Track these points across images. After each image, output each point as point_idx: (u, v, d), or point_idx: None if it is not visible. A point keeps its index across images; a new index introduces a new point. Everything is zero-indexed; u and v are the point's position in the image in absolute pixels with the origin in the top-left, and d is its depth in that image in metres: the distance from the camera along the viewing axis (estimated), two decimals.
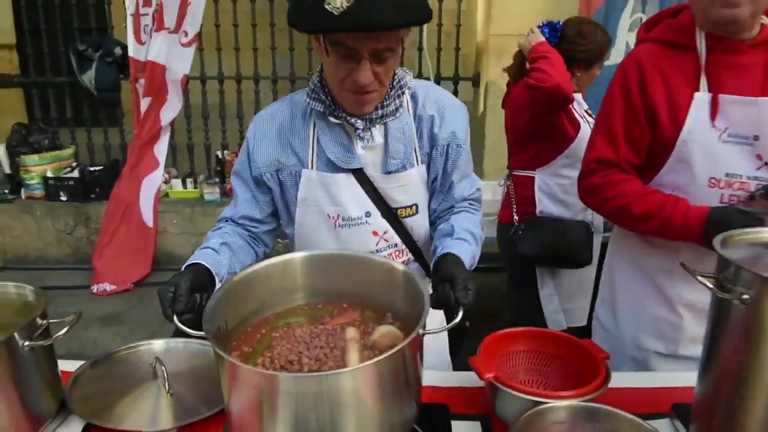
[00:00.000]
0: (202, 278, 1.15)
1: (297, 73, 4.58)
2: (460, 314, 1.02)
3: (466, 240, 1.27)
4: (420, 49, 4.42)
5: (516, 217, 2.28)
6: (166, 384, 1.22)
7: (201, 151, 4.67)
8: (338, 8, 1.04)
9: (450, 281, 1.08)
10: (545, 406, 0.99)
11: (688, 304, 1.46)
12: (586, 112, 2.26)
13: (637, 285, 1.55)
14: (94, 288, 4.12)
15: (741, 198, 1.34)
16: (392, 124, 1.29)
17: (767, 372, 0.90)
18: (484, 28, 4.52)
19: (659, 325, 1.51)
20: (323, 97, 1.27)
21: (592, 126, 2.16)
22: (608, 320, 1.65)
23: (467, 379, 1.28)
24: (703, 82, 1.38)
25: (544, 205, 2.24)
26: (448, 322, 1.53)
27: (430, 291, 1.14)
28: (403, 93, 1.29)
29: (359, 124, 1.26)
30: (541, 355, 1.25)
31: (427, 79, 4.49)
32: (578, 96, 2.23)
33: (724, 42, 1.37)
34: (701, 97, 1.37)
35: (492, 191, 3.07)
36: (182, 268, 1.18)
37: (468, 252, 1.24)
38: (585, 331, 2.19)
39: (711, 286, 0.92)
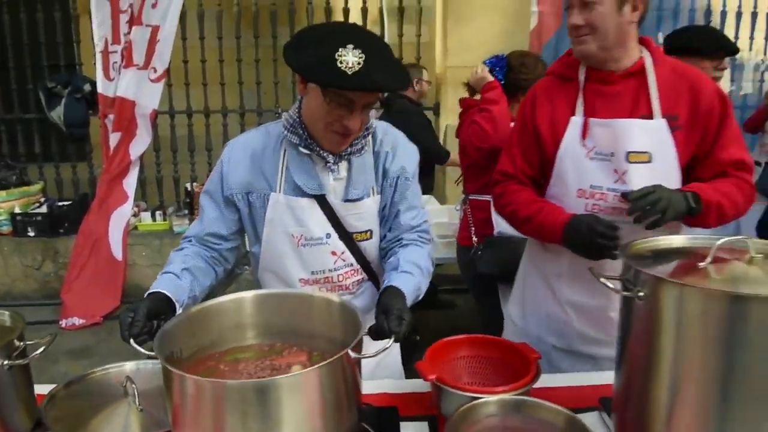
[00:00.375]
0: (161, 305, 1.27)
1: (264, 105, 4.73)
2: (391, 341, 1.14)
3: (410, 272, 1.39)
4: None
5: (475, 239, 2.42)
6: (137, 400, 1.30)
7: (170, 183, 4.75)
8: (351, 68, 1.20)
9: (386, 313, 1.20)
10: (478, 401, 1.11)
11: (572, 304, 1.66)
12: None
13: (538, 286, 1.75)
14: (63, 322, 4.12)
15: (600, 206, 1.56)
16: (356, 160, 1.44)
17: (666, 361, 1.02)
18: (442, 59, 4.76)
19: (554, 322, 1.71)
20: (300, 132, 1.41)
21: None
22: (518, 317, 1.85)
23: (417, 385, 1.40)
24: (579, 108, 1.61)
25: (501, 226, 2.36)
26: (402, 349, 1.67)
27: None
28: (368, 134, 1.45)
29: (331, 158, 1.41)
30: (481, 359, 1.38)
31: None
32: None
33: (597, 73, 1.59)
34: (576, 121, 1.60)
35: (449, 215, 3.22)
36: (145, 295, 1.28)
37: (410, 284, 1.36)
38: None
39: (611, 285, 1.07)
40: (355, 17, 4.68)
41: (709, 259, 1.03)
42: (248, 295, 1.29)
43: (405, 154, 1.50)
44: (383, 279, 1.42)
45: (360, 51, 1.22)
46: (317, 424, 1.01)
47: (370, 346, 1.11)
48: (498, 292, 2.39)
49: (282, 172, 1.43)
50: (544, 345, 1.70)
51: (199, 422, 0.99)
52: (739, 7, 4.86)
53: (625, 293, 1.06)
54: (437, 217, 3.19)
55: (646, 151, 1.53)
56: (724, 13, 4.87)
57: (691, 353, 1.00)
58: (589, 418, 1.27)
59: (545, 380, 1.40)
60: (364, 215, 1.46)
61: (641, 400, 1.08)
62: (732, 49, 2.46)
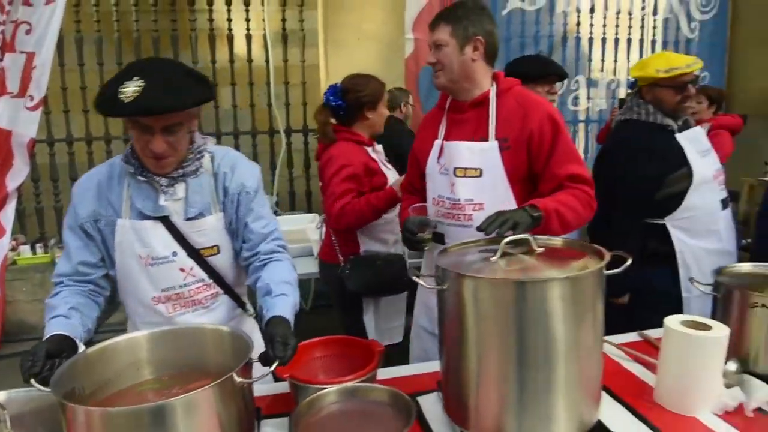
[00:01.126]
0: (60, 345, 1.33)
1: None
2: (274, 366, 1.24)
3: (285, 294, 1.50)
4: (269, 105, 4.74)
5: (341, 258, 2.49)
6: (8, 424, 1.35)
7: (51, 214, 4.59)
8: (129, 97, 1.34)
9: (271, 341, 1.30)
10: (320, 392, 1.26)
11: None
12: (384, 160, 2.58)
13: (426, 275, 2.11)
14: None
15: (441, 212, 1.91)
16: (192, 181, 1.57)
17: (471, 340, 1.23)
18: (326, 83, 4.96)
19: (427, 308, 2.04)
20: (134, 161, 1.53)
21: (392, 171, 2.56)
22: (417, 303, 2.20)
23: (281, 387, 1.54)
24: (441, 132, 1.93)
25: (366, 245, 2.49)
26: None
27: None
28: (202, 156, 1.59)
29: (163, 182, 1.53)
30: (334, 357, 1.55)
31: (278, 132, 4.82)
32: (379, 147, 2.57)
33: (454, 103, 1.92)
34: (437, 143, 1.93)
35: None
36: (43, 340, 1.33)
37: (288, 304, 1.47)
38: (401, 345, 2.54)
39: (422, 282, 1.27)
40: (239, 42, 4.79)
41: (498, 254, 1.26)
42: (142, 333, 1.39)
43: (244, 172, 1.64)
44: (259, 304, 1.53)
45: (142, 81, 1.36)
46: None
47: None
48: (362, 305, 2.51)
49: (126, 199, 1.55)
50: (424, 330, 1.99)
51: None
52: (591, 34, 5.46)
53: (437, 287, 1.27)
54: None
55: (477, 167, 1.82)
56: (578, 39, 5.45)
57: (489, 331, 1.21)
58: (430, 399, 1.47)
59: (393, 371, 1.61)
60: (207, 232, 1.59)
61: (457, 375, 1.28)
62: (561, 74, 2.80)
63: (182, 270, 1.58)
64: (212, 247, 1.61)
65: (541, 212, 1.66)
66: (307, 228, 3.06)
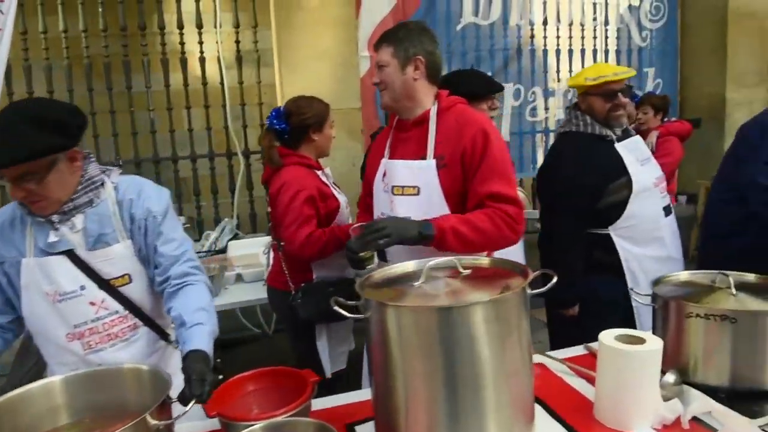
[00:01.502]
0: None
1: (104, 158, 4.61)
2: (191, 405, 1.22)
3: (200, 322, 1.46)
4: (226, 127, 4.69)
5: (292, 285, 2.41)
6: None
7: None
8: None
9: (188, 380, 1.26)
10: (247, 430, 1.22)
11: None
12: (334, 183, 2.54)
13: None
14: None
15: None
16: (91, 211, 1.54)
17: (398, 367, 1.20)
18: (282, 102, 4.92)
19: None
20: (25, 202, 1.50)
21: (342, 195, 2.53)
22: None
23: (215, 424, 1.49)
24: (387, 151, 1.95)
25: (319, 271, 2.43)
26: None
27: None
28: (95, 188, 1.55)
29: (55, 218, 1.50)
30: (269, 390, 1.50)
31: (235, 154, 4.76)
32: (328, 170, 2.54)
33: (399, 122, 1.94)
34: (383, 162, 1.95)
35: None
36: None
37: (204, 333, 1.44)
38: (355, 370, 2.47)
39: (343, 311, 1.24)
40: (193, 65, 4.75)
41: (422, 279, 1.24)
42: (57, 378, 1.35)
43: (150, 197, 1.61)
44: (176, 335, 1.50)
45: None
46: None
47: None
48: (315, 330, 2.44)
49: (30, 238, 1.52)
50: None
51: None
52: (545, 45, 5.54)
53: (361, 316, 1.24)
54: None
55: (415, 185, 1.82)
56: (533, 51, 5.53)
57: (415, 357, 1.19)
58: (366, 428, 1.44)
59: (330, 400, 1.57)
60: (115, 261, 1.56)
61: (386, 402, 1.26)
62: (499, 88, 2.74)
63: (92, 303, 1.54)
64: (122, 276, 1.57)
65: (433, 230, 1.70)
66: (259, 252, 3.00)
